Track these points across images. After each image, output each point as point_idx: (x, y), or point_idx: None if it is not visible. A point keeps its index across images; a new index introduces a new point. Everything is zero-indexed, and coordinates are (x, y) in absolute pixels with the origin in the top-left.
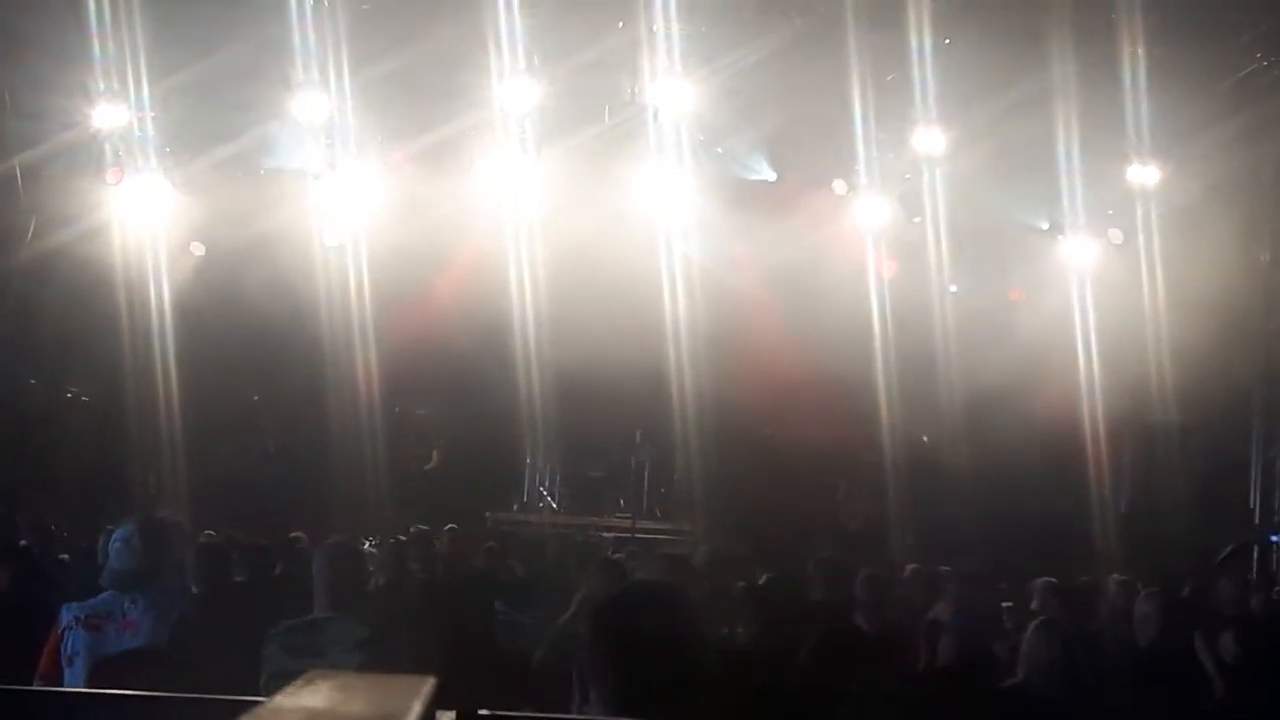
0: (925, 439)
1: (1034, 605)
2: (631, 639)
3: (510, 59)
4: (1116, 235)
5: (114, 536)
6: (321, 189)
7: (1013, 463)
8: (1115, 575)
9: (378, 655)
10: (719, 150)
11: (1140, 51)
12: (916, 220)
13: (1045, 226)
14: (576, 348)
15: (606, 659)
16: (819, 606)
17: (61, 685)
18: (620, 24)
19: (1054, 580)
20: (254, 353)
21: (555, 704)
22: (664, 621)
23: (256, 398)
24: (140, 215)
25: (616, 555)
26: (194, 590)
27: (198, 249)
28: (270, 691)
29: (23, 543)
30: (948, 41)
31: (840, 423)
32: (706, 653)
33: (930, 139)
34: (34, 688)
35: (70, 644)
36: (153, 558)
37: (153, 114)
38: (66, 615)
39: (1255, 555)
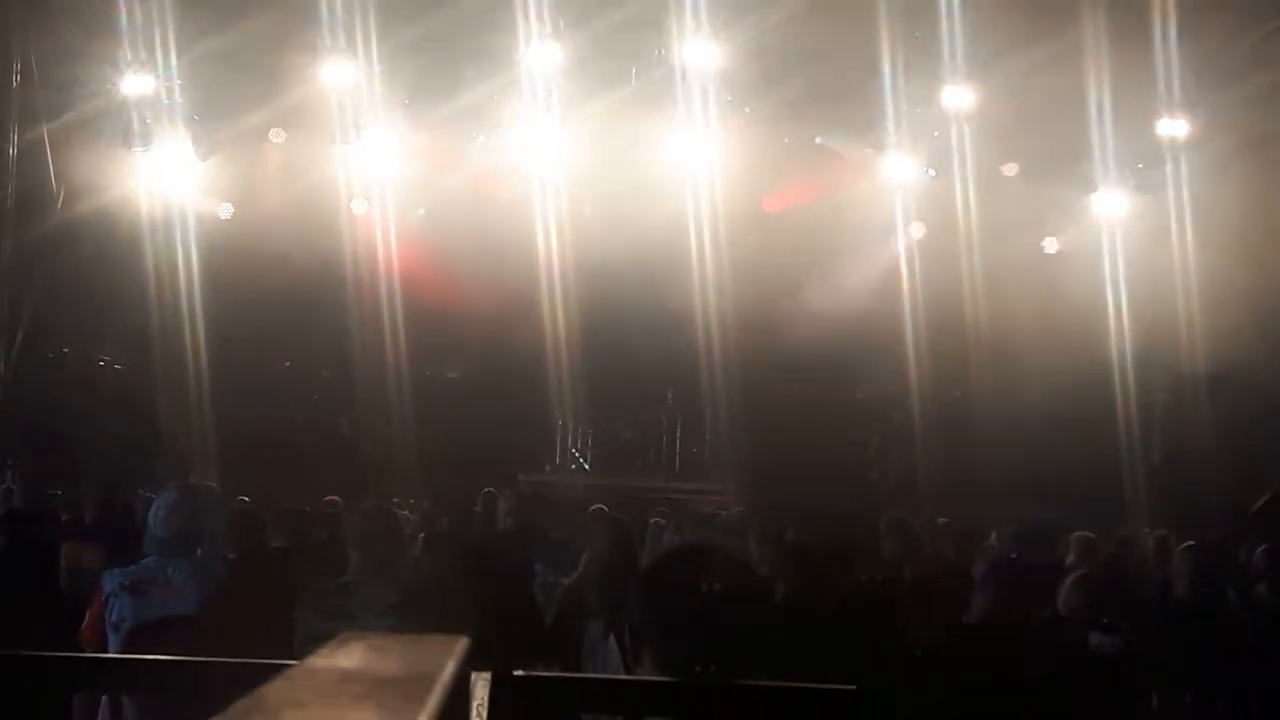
0: (956, 393)
1: (1070, 559)
2: (680, 601)
3: (537, 22)
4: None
5: (158, 503)
6: (349, 153)
7: (1045, 417)
8: (1150, 529)
9: (411, 618)
10: (747, 109)
11: (1170, 5)
12: (933, 174)
13: (1075, 181)
14: (607, 309)
15: (656, 621)
16: (855, 563)
17: (107, 651)
18: None
19: (1090, 534)
20: (285, 320)
21: (572, 661)
22: (711, 582)
23: (288, 364)
24: (168, 182)
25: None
26: (230, 556)
27: (225, 211)
28: (303, 655)
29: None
30: None
31: (871, 379)
32: (751, 612)
33: (959, 95)
34: (69, 654)
35: (116, 610)
36: (196, 524)
37: (180, 82)
38: (110, 582)
39: None
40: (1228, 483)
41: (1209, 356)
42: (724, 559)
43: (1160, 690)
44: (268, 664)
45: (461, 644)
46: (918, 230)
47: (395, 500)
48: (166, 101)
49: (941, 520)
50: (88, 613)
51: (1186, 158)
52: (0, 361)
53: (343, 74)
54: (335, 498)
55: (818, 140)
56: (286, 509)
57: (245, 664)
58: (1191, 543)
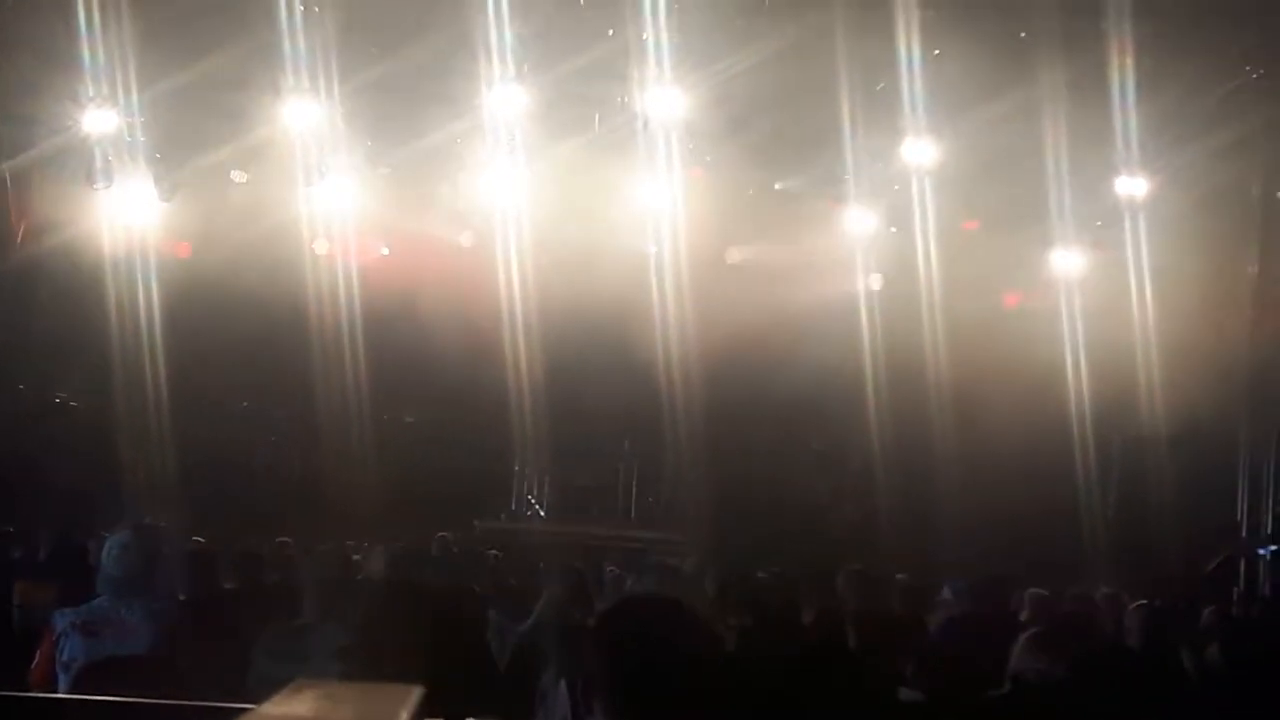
0: (914, 447)
1: (1024, 617)
2: (633, 651)
3: (500, 66)
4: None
5: (111, 543)
6: (311, 194)
7: (1002, 471)
8: (1103, 588)
9: (364, 662)
10: (708, 158)
11: (1130, 63)
12: (894, 230)
13: (1034, 236)
14: (565, 356)
15: (609, 669)
16: (810, 615)
17: (58, 692)
18: (610, 32)
19: (1044, 592)
20: (243, 360)
21: (525, 709)
22: (665, 633)
23: (246, 404)
24: (130, 220)
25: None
26: (182, 597)
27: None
28: (256, 698)
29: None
30: (937, 52)
31: (829, 430)
32: (705, 663)
33: (920, 149)
34: (23, 694)
35: (68, 650)
36: (149, 564)
37: (142, 119)
38: (61, 621)
39: (1242, 567)
40: (1182, 541)
41: (1166, 415)
42: (677, 610)
43: None
44: (220, 707)
45: (415, 692)
46: (877, 282)
47: (349, 543)
48: (129, 139)
49: (899, 576)
50: (38, 652)
51: (1146, 215)
52: None
53: (306, 114)
54: (287, 539)
55: (777, 186)
56: (238, 550)
57: (197, 706)
58: (1144, 601)
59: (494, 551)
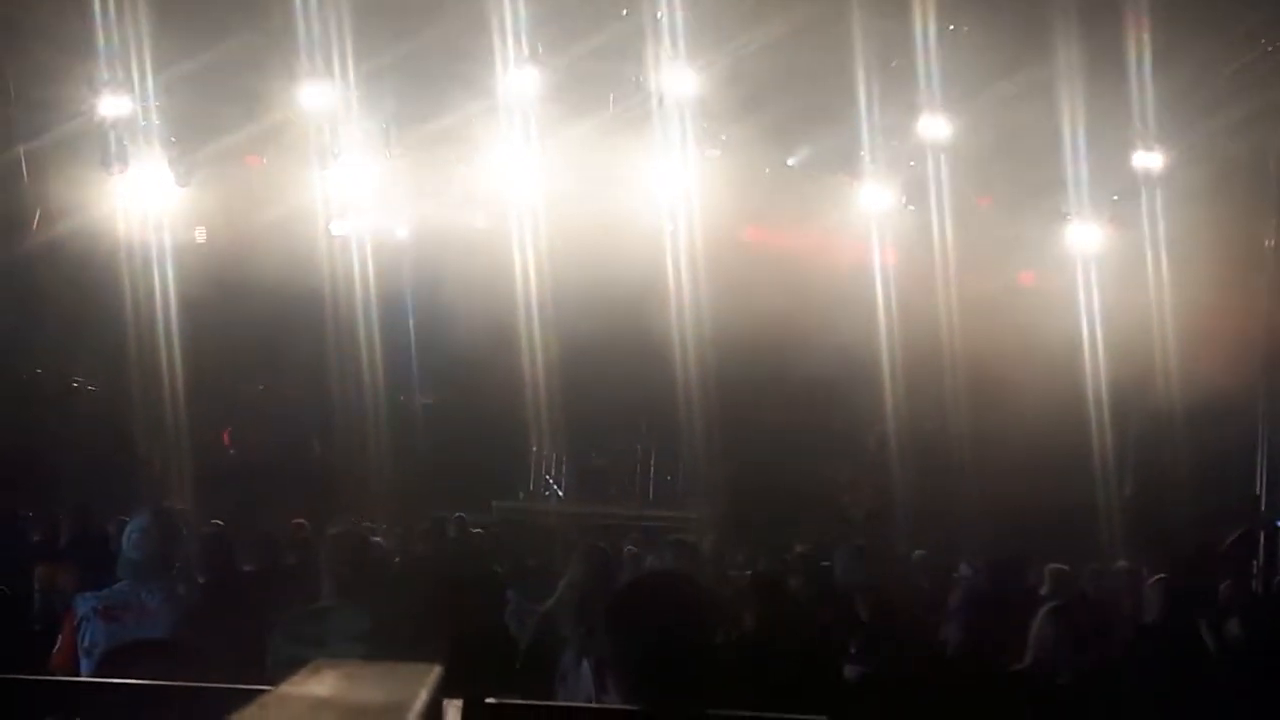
0: (930, 426)
1: (1044, 590)
2: (648, 628)
3: (515, 47)
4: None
5: (131, 526)
6: (327, 177)
7: (1018, 449)
8: (1122, 562)
9: (383, 644)
10: (723, 137)
11: (1145, 37)
12: (911, 208)
13: (1050, 212)
14: (582, 336)
15: (624, 648)
16: (825, 593)
17: (80, 676)
18: (624, 11)
19: (1064, 566)
20: (259, 343)
21: (546, 688)
22: (680, 611)
23: (262, 387)
24: (145, 204)
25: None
26: (200, 580)
27: (200, 235)
28: (275, 680)
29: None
30: (952, 28)
31: (846, 410)
32: (720, 641)
33: (935, 126)
34: (41, 677)
35: (89, 635)
36: (169, 547)
37: (157, 103)
38: (83, 605)
39: (1261, 541)
40: (1199, 516)
41: (1183, 389)
42: (691, 590)
43: None
44: (241, 689)
45: (434, 672)
46: (893, 260)
47: (367, 525)
48: (144, 123)
49: (917, 553)
50: (60, 638)
51: (1162, 189)
52: None
53: (321, 97)
54: (304, 521)
55: (791, 163)
56: (257, 533)
57: (218, 689)
58: (1163, 576)
59: (477, 530)
